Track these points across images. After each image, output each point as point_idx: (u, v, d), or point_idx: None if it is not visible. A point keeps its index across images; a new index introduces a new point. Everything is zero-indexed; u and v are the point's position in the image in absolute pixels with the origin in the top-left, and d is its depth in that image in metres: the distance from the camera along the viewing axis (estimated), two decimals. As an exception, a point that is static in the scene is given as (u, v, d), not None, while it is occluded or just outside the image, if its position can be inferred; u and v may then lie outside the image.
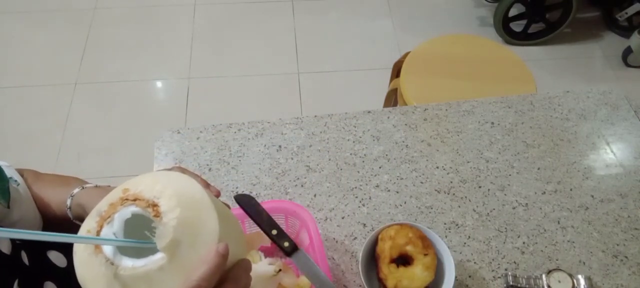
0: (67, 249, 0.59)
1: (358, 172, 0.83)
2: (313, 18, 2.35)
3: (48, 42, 2.23)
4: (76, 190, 0.58)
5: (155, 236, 0.37)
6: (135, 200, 0.38)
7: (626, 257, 0.74)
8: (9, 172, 0.58)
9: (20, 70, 2.11)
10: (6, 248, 0.48)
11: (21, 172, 0.63)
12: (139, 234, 0.38)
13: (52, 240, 0.33)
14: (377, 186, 0.81)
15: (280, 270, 0.64)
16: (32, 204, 0.59)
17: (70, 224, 0.59)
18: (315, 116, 0.90)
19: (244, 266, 0.41)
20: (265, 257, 0.67)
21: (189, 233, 0.37)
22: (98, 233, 0.38)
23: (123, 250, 0.37)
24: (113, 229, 0.38)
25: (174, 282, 0.36)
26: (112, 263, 0.36)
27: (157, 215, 0.37)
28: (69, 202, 0.58)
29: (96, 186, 0.60)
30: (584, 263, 0.73)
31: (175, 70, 2.12)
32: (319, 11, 2.38)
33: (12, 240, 0.50)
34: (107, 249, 0.37)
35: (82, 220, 0.55)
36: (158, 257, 0.36)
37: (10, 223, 0.54)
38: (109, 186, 0.58)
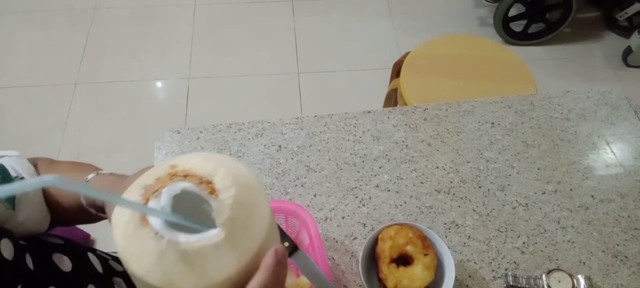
0: (71, 252, 0.59)
1: (358, 172, 0.83)
2: (313, 18, 2.35)
3: (48, 42, 2.23)
4: (91, 176, 0.56)
5: (213, 212, 0.35)
6: (186, 176, 0.36)
7: (626, 257, 0.74)
8: (19, 166, 0.57)
9: (21, 70, 2.11)
10: (8, 253, 0.48)
11: (35, 161, 0.62)
12: (187, 213, 0.36)
13: (99, 197, 0.29)
14: (377, 186, 0.81)
15: (280, 270, 0.64)
16: (41, 201, 0.58)
17: (84, 215, 0.57)
18: (315, 116, 0.90)
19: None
20: (265, 257, 0.67)
21: (245, 213, 0.36)
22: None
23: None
24: (160, 204, 0.35)
25: (228, 262, 0.34)
26: (162, 237, 0.33)
27: (212, 192, 0.36)
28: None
29: (111, 174, 0.57)
30: (584, 263, 0.73)
31: (175, 70, 2.12)
32: (319, 11, 2.38)
33: (15, 244, 0.49)
34: (156, 222, 0.34)
35: (95, 207, 0.55)
36: (213, 234, 0.34)
37: (16, 224, 0.53)
38: (124, 175, 0.56)
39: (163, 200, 0.36)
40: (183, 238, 0.34)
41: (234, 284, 0.35)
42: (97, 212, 0.55)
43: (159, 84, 2.13)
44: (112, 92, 2.05)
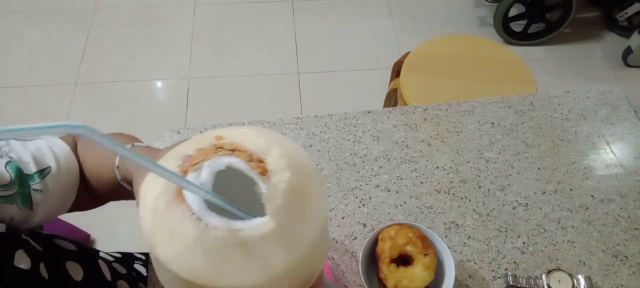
0: (84, 260, 0.58)
1: (358, 172, 0.83)
2: (313, 18, 2.35)
3: (48, 42, 2.23)
4: (127, 147, 0.53)
5: (263, 197, 0.29)
6: (233, 150, 0.30)
7: (626, 257, 0.74)
8: (53, 150, 0.53)
9: (20, 70, 2.11)
10: (26, 263, 0.46)
11: (75, 138, 0.59)
12: (228, 194, 0.30)
13: (126, 157, 0.25)
14: (377, 186, 0.81)
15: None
16: (69, 188, 0.55)
17: (120, 192, 0.53)
18: (315, 116, 0.90)
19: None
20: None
21: (298, 204, 0.30)
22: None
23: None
24: (200, 179, 0.30)
25: (273, 261, 0.28)
26: (200, 219, 0.28)
27: (264, 172, 0.30)
28: (117, 160, 0.51)
29: (148, 147, 0.54)
30: (584, 263, 0.73)
31: (175, 70, 2.12)
32: (319, 11, 2.38)
33: (30, 253, 0.48)
34: (193, 200, 0.28)
35: (128, 182, 0.50)
36: (260, 223, 0.28)
37: (32, 222, 0.51)
38: (160, 149, 0.52)
39: (204, 175, 0.30)
40: (223, 223, 0.28)
41: None
42: (132, 188, 0.50)
43: (159, 84, 2.13)
44: (112, 92, 2.05)
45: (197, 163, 0.30)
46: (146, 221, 0.30)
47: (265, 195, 0.29)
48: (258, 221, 0.29)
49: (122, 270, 0.68)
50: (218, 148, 0.31)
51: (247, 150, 0.31)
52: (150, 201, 0.30)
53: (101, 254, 0.69)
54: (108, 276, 0.63)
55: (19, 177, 0.48)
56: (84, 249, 0.61)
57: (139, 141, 0.57)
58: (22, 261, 0.46)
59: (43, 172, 0.51)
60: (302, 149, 0.34)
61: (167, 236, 0.28)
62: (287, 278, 0.29)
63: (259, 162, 0.30)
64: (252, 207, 0.30)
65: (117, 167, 0.51)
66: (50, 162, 0.52)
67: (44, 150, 0.53)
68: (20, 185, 0.48)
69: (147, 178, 0.32)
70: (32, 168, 0.50)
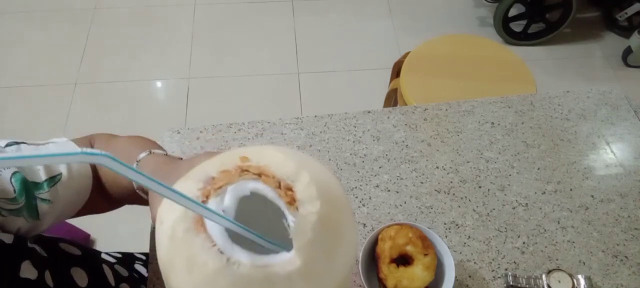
0: (88, 265, 0.58)
1: (358, 172, 0.83)
2: (313, 18, 2.35)
3: (48, 42, 2.23)
4: (142, 155, 0.51)
5: (290, 230, 0.27)
6: (260, 174, 0.29)
7: (626, 257, 0.74)
8: (62, 155, 0.53)
9: (20, 70, 2.11)
10: (32, 273, 0.46)
11: (92, 138, 0.58)
12: (251, 221, 0.28)
13: (145, 185, 0.24)
14: (377, 186, 0.81)
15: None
16: (80, 193, 0.54)
17: (135, 198, 0.52)
18: (315, 116, 0.90)
19: None
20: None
21: (328, 239, 0.27)
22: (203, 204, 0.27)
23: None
24: (223, 204, 0.28)
25: None
26: (221, 252, 0.26)
27: (292, 202, 0.27)
28: (135, 166, 0.49)
29: (165, 154, 0.52)
30: (584, 263, 0.73)
31: (175, 70, 2.12)
32: (319, 11, 2.38)
33: (36, 264, 0.48)
34: (214, 229, 0.27)
35: (145, 191, 0.50)
36: (286, 259, 0.26)
37: (38, 230, 0.51)
38: (179, 158, 0.52)
39: (227, 200, 0.28)
40: (246, 258, 0.26)
41: None
42: (147, 197, 0.50)
43: (159, 84, 2.13)
44: (112, 92, 2.05)
45: (220, 188, 0.28)
46: (163, 246, 0.28)
47: (293, 228, 0.27)
48: (284, 257, 0.26)
49: (124, 272, 0.69)
50: (243, 171, 0.29)
51: (275, 175, 0.28)
52: (168, 226, 0.28)
53: (103, 256, 0.69)
54: (111, 280, 0.63)
55: (25, 189, 0.47)
56: (88, 253, 0.61)
57: (158, 146, 0.55)
58: (28, 272, 0.45)
59: (53, 180, 0.50)
60: (333, 174, 0.31)
61: (185, 266, 0.26)
62: None
63: (287, 190, 0.28)
64: (276, 234, 0.28)
65: None
66: (62, 168, 0.51)
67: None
68: (27, 196, 0.47)
69: (166, 199, 0.29)
70: (41, 176, 0.49)
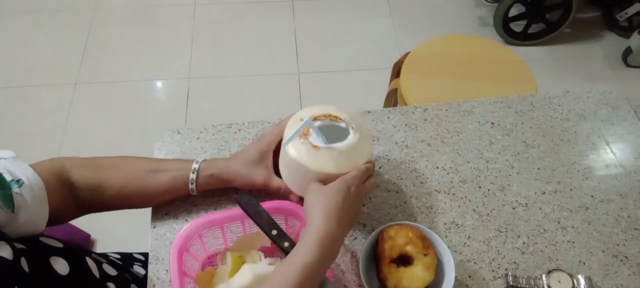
0: (69, 255, 0.58)
1: (358, 172, 0.83)
2: (313, 18, 2.35)
3: (48, 42, 2.23)
4: (196, 165, 0.69)
5: (347, 125, 0.65)
6: (327, 116, 0.66)
7: (626, 257, 0.74)
8: (15, 168, 0.55)
9: (20, 70, 2.11)
10: (7, 254, 0.47)
11: (56, 162, 0.64)
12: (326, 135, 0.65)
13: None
14: (377, 186, 0.81)
15: (280, 269, 0.65)
16: (42, 203, 0.57)
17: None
18: (315, 116, 0.90)
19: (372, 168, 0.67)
20: (266, 257, 0.67)
21: (362, 130, 0.67)
22: (308, 129, 0.64)
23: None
24: (316, 125, 0.64)
25: (356, 158, 0.64)
26: (317, 147, 0.63)
27: (343, 119, 0.66)
28: (192, 176, 0.69)
29: (212, 159, 0.72)
30: (584, 263, 0.73)
31: (175, 70, 2.12)
32: (319, 11, 2.38)
33: (13, 246, 0.49)
34: (312, 137, 0.64)
35: (216, 179, 0.70)
36: (349, 140, 0.64)
37: (15, 227, 0.52)
38: (226, 158, 0.73)
39: (316, 124, 0.65)
40: (325, 145, 0.63)
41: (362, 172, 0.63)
42: (224, 182, 0.72)
43: (159, 84, 2.13)
44: (112, 92, 2.05)
45: (316, 119, 0.66)
46: (290, 152, 0.63)
47: (348, 123, 0.66)
48: (347, 141, 0.64)
49: (112, 271, 0.68)
50: (324, 116, 0.66)
51: (338, 116, 0.66)
52: (289, 139, 0.64)
53: (94, 255, 0.68)
54: (96, 274, 0.63)
55: (0, 180, 0.51)
56: (70, 246, 0.61)
57: (192, 159, 0.71)
58: (3, 250, 0.46)
59: (19, 182, 0.54)
60: (363, 117, 0.84)
61: (304, 156, 0.63)
62: (369, 164, 0.65)
63: (339, 120, 0.66)
64: (337, 140, 0.65)
65: (194, 180, 0.69)
66: (21, 176, 0.56)
67: (11, 168, 0.56)
68: (2, 186, 0.51)
69: (289, 123, 0.67)
70: (8, 177, 0.54)
